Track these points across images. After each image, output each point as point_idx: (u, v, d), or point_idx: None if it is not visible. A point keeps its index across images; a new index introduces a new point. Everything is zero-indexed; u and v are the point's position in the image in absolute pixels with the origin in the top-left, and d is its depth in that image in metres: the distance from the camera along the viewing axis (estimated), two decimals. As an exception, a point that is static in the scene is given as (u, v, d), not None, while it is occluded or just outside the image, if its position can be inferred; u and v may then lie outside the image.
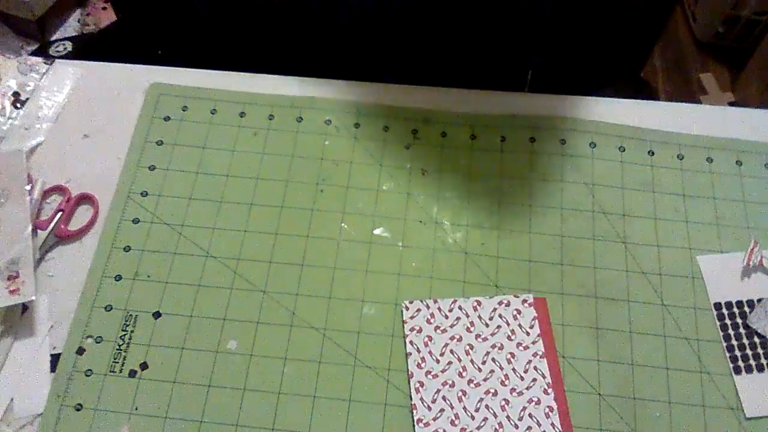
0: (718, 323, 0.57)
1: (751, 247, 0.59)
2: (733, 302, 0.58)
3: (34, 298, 0.56)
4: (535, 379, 0.54)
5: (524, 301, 0.57)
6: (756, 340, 0.56)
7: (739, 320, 0.57)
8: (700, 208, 0.62)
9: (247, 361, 0.55)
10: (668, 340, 0.56)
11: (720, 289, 0.58)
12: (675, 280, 0.59)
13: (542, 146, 0.66)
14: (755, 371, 0.55)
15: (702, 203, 0.62)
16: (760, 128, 0.67)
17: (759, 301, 0.58)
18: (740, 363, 0.55)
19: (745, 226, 0.62)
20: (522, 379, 0.54)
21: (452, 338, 0.56)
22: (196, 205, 0.62)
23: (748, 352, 0.56)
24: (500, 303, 0.57)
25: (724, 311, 0.57)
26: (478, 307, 0.57)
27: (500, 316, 0.57)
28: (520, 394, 0.54)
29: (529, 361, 0.55)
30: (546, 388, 0.54)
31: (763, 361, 0.55)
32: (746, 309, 0.57)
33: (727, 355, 0.56)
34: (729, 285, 0.59)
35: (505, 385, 0.54)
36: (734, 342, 0.56)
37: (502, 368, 0.55)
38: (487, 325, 0.56)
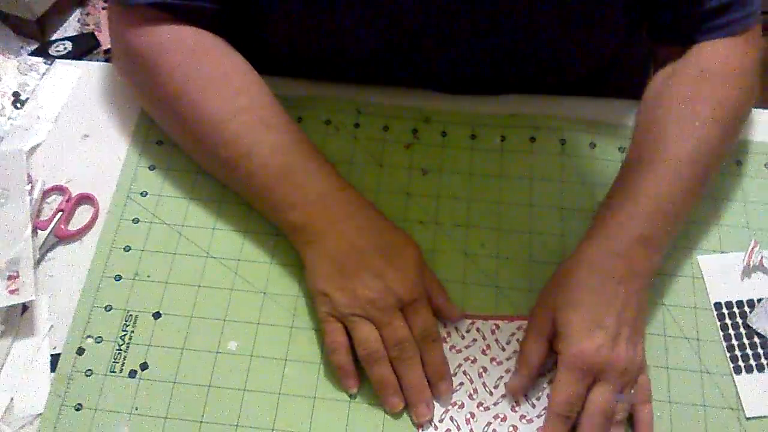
0: (718, 323, 0.57)
1: (751, 247, 0.59)
2: (734, 302, 0.58)
3: (34, 298, 0.56)
4: (546, 407, 0.53)
5: None
6: (756, 340, 0.56)
7: (739, 320, 0.57)
8: (700, 208, 0.62)
9: (248, 362, 0.55)
10: (668, 339, 0.56)
11: (720, 289, 0.58)
12: (675, 280, 0.59)
13: (542, 146, 0.66)
14: (755, 371, 0.55)
15: (702, 203, 0.62)
16: (760, 128, 0.67)
17: (759, 301, 0.58)
18: (740, 363, 0.55)
19: (745, 226, 0.62)
20: (534, 406, 0.53)
21: (466, 359, 0.55)
22: (196, 205, 0.62)
23: (749, 352, 0.56)
24: (519, 328, 0.56)
25: (725, 311, 0.57)
26: (495, 330, 0.56)
27: (518, 340, 0.55)
28: (530, 421, 0.53)
29: (543, 389, 0.54)
30: None
31: (764, 361, 0.55)
32: (746, 309, 0.57)
33: (728, 355, 0.56)
34: (729, 285, 0.59)
35: (516, 411, 0.53)
36: (734, 342, 0.56)
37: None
38: (503, 349, 0.55)
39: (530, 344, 0.54)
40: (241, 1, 0.62)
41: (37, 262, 0.59)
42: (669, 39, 0.63)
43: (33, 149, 0.65)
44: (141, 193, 0.63)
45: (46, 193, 0.63)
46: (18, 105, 0.68)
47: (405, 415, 0.53)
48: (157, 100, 0.61)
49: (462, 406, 0.53)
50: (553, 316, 0.53)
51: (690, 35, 0.60)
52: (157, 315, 0.57)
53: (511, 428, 0.52)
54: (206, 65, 0.59)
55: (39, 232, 0.61)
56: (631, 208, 0.55)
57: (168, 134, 0.63)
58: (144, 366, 0.55)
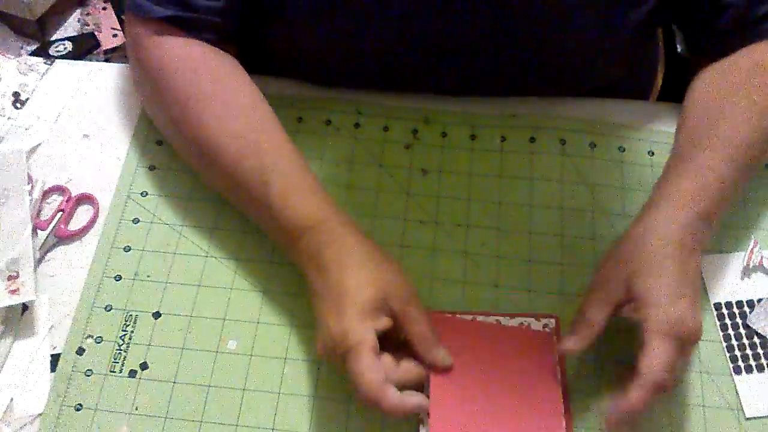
0: (718, 323, 0.57)
1: (751, 247, 0.59)
2: (733, 302, 0.58)
3: (34, 298, 0.56)
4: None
5: (545, 326, 0.56)
6: (756, 340, 0.56)
7: (739, 320, 0.57)
8: (700, 208, 0.62)
9: (247, 362, 0.55)
10: (668, 340, 0.56)
11: (720, 289, 0.58)
12: (675, 280, 0.59)
13: (542, 146, 0.66)
14: (755, 371, 0.55)
15: (702, 203, 0.62)
16: (760, 128, 0.67)
17: (759, 301, 0.58)
18: (740, 363, 0.55)
19: (745, 226, 0.62)
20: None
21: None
22: (196, 205, 0.62)
23: (748, 352, 0.56)
24: (521, 325, 0.56)
25: (724, 311, 0.57)
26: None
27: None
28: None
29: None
30: (558, 416, 0.52)
31: (763, 361, 0.55)
32: (746, 309, 0.57)
33: (727, 355, 0.56)
34: (729, 285, 0.59)
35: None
36: (734, 342, 0.56)
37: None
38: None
39: (595, 308, 0.52)
40: (249, 14, 0.62)
41: (37, 262, 0.59)
42: (716, 50, 0.62)
43: (33, 149, 0.65)
44: (141, 193, 0.63)
45: (46, 193, 0.63)
46: (18, 105, 0.68)
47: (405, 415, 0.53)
48: (163, 115, 0.61)
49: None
50: (627, 282, 0.51)
51: (740, 42, 0.60)
52: (157, 315, 0.57)
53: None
54: (207, 85, 0.58)
55: (39, 232, 0.61)
56: (695, 183, 0.54)
57: (166, 138, 0.64)
58: (144, 366, 0.55)
